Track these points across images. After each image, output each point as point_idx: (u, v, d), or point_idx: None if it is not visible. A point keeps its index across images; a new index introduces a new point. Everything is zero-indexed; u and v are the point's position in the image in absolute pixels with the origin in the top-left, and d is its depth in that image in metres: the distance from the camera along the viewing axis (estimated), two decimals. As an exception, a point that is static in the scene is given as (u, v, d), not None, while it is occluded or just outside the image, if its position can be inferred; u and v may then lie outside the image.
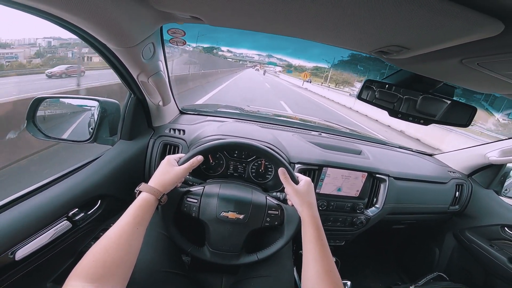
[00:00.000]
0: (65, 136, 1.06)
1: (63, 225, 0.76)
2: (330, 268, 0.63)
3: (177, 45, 0.87)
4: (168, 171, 0.72)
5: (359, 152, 1.33)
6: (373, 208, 1.27)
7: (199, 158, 0.76)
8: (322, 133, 1.55)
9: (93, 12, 0.53)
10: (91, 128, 1.04)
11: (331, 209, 1.21)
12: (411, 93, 0.80)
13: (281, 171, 0.78)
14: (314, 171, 1.18)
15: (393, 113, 0.83)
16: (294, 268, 1.07)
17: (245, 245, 0.83)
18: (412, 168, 1.43)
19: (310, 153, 1.22)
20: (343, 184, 1.20)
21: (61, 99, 1.16)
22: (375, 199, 1.27)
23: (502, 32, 0.39)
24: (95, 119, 1.03)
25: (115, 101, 1.08)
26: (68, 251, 0.84)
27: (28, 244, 0.66)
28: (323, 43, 0.67)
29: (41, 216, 0.71)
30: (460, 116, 0.81)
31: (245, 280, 0.90)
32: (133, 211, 0.61)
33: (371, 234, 1.86)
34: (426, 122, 0.82)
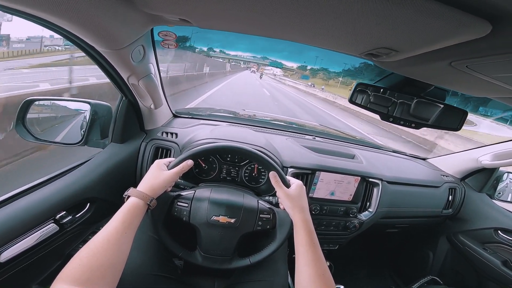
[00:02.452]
0: (55, 139, 1.05)
1: (50, 228, 0.75)
2: (323, 272, 0.62)
3: (168, 47, 0.87)
4: (158, 176, 0.71)
5: (352, 156, 1.33)
6: (367, 212, 1.26)
7: (189, 162, 0.76)
8: (316, 137, 1.55)
9: (77, 14, 0.52)
10: (83, 131, 1.04)
11: (324, 213, 1.20)
12: (406, 97, 0.80)
13: (272, 175, 0.78)
14: (307, 175, 1.17)
15: (385, 117, 0.83)
16: (289, 273, 1.06)
17: (237, 249, 0.82)
18: (405, 172, 1.43)
19: (303, 157, 1.22)
20: (336, 188, 1.20)
21: (52, 102, 1.15)
22: (368, 203, 1.27)
23: (490, 33, 0.38)
24: (87, 122, 1.03)
25: (107, 103, 1.07)
26: (55, 254, 0.83)
27: (13, 246, 0.66)
28: (311, 46, 0.66)
29: (27, 219, 0.70)
30: (452, 120, 0.81)
31: (239, 284, 0.89)
32: (121, 216, 0.61)
33: (365, 238, 1.86)
34: (417, 126, 0.82)
